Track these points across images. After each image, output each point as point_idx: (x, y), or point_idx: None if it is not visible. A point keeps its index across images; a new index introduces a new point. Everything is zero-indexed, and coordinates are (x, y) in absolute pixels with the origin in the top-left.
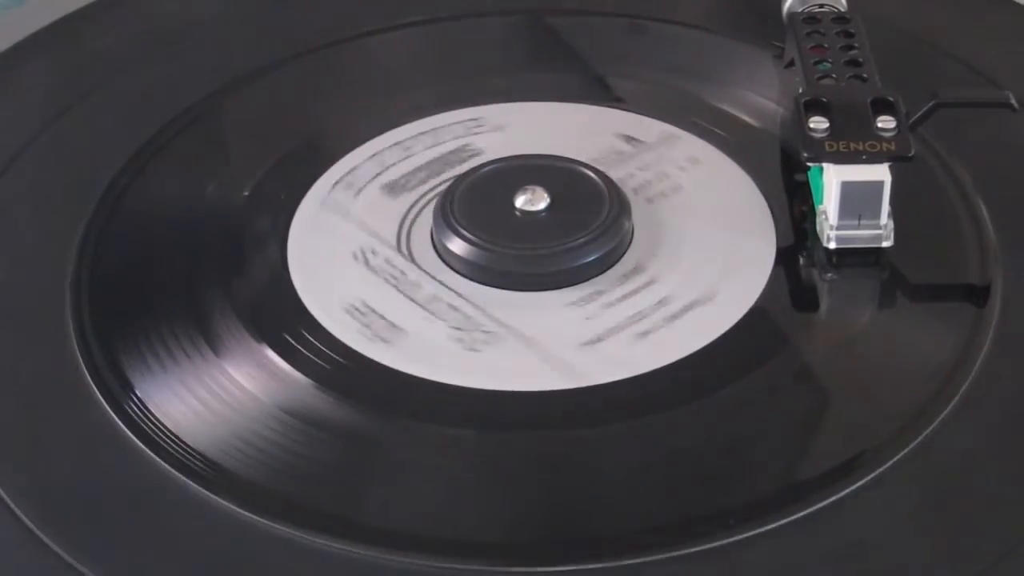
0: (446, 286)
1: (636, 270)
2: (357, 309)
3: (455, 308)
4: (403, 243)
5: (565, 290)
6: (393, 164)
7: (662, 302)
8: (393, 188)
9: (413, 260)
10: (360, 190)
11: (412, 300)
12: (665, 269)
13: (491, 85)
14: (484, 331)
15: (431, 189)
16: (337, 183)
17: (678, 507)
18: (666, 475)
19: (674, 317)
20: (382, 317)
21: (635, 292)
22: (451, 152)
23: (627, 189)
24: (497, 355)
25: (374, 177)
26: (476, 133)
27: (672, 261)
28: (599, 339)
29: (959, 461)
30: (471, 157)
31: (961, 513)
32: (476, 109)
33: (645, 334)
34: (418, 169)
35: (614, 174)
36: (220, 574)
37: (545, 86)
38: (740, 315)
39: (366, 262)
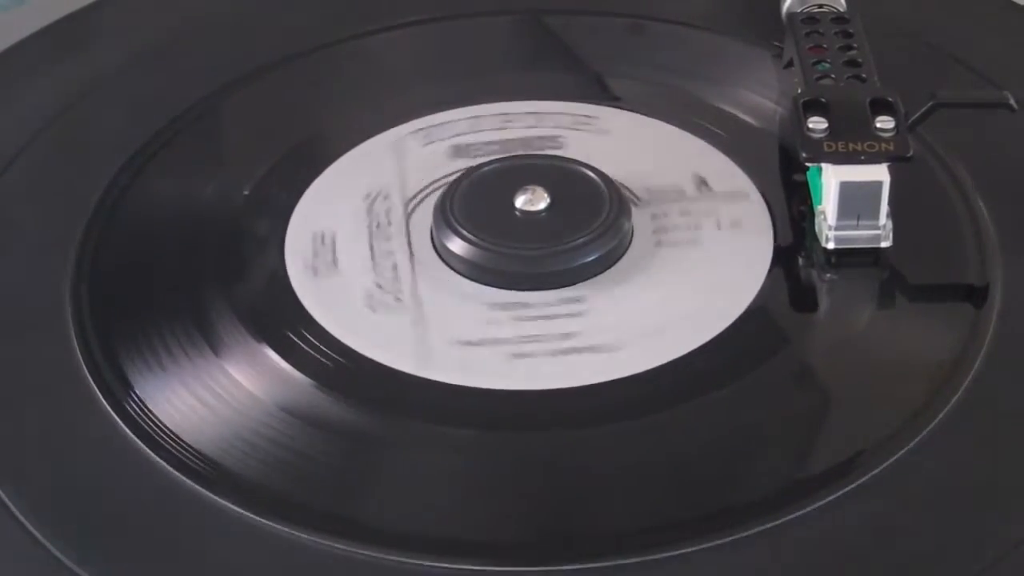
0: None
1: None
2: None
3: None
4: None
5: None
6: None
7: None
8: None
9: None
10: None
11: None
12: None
13: (490, 84)
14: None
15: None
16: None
17: (677, 507)
18: (666, 475)
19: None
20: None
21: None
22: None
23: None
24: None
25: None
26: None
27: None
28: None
29: (959, 461)
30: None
31: (961, 512)
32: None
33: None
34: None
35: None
36: (220, 574)
37: (545, 86)
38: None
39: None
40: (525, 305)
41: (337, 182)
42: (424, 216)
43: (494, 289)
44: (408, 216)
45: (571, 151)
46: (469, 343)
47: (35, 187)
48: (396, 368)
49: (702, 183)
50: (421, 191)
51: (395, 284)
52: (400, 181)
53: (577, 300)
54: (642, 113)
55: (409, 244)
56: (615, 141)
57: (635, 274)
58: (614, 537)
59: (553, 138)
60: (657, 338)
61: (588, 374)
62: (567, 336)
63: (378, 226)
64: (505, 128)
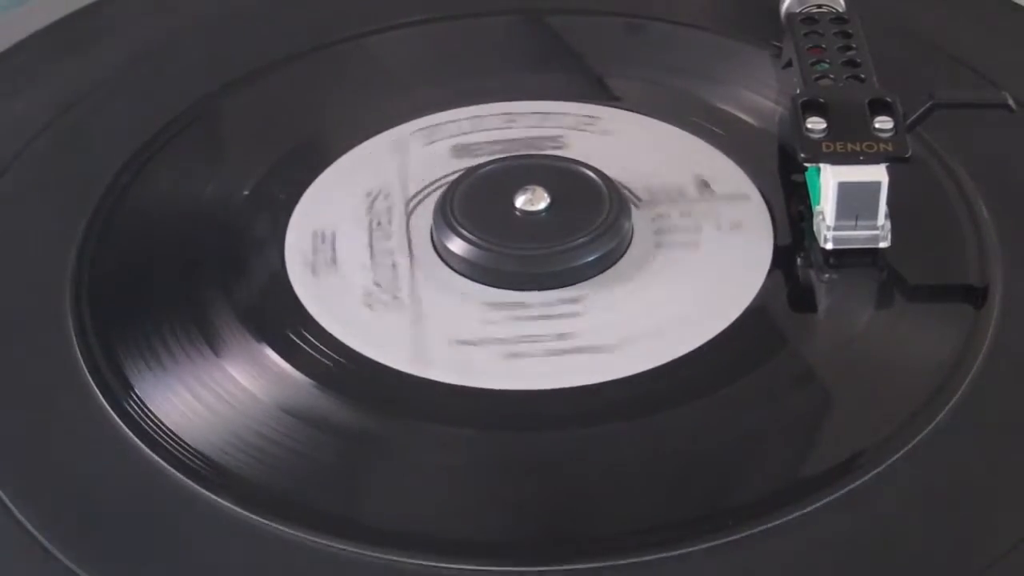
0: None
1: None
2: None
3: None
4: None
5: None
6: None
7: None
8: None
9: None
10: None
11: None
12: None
13: (491, 85)
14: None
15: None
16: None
17: (677, 507)
18: (666, 475)
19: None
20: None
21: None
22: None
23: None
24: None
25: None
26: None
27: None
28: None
29: (958, 461)
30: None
31: (961, 513)
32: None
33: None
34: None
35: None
36: (220, 574)
37: (545, 86)
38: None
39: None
40: (524, 305)
41: (337, 181)
42: (424, 215)
43: (494, 289)
44: (408, 215)
45: (572, 151)
46: (468, 343)
47: (35, 187)
48: (395, 368)
49: (702, 183)
50: (422, 190)
51: (394, 283)
52: (401, 180)
53: (576, 300)
54: (642, 113)
55: (409, 243)
56: (615, 141)
57: (634, 274)
58: (613, 537)
59: (554, 138)
60: (656, 338)
61: (587, 374)
62: (566, 336)
63: (378, 225)
64: (507, 128)
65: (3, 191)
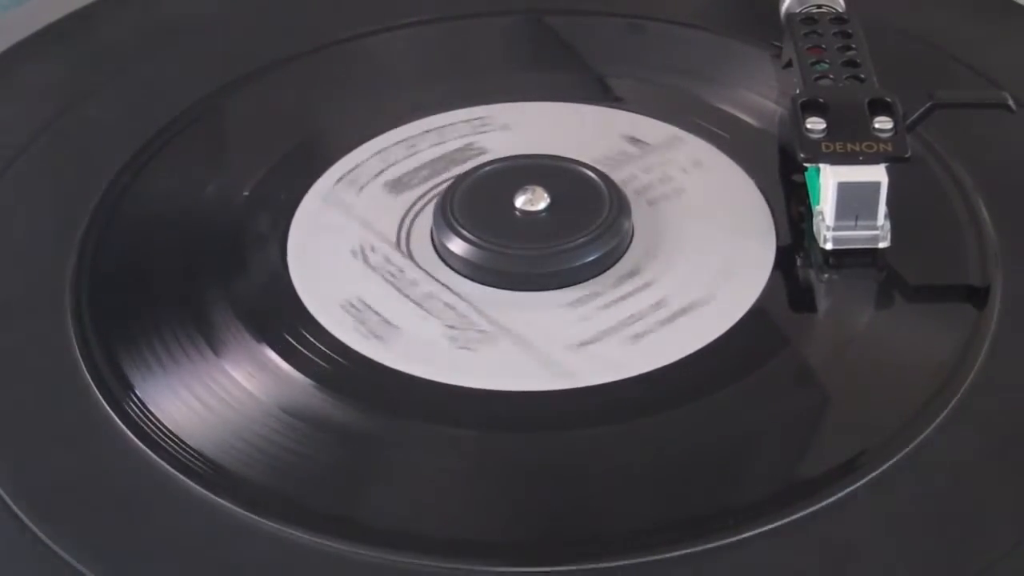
0: (444, 285)
1: (635, 271)
2: (354, 306)
3: (452, 307)
4: (403, 241)
5: (565, 290)
6: (396, 162)
7: (660, 303)
8: (396, 186)
9: (412, 258)
10: (362, 187)
11: (409, 298)
12: (664, 270)
13: (491, 85)
14: (480, 331)
15: (433, 187)
16: (340, 179)
17: (678, 507)
18: (666, 475)
19: (672, 318)
20: (378, 314)
21: (633, 293)
22: (455, 151)
23: (629, 191)
24: (495, 355)
25: (377, 174)
26: (482, 132)
27: (670, 262)
28: (598, 339)
29: (959, 461)
30: (476, 156)
31: (961, 513)
32: (481, 108)
33: (642, 335)
34: (422, 167)
35: (617, 175)
36: (220, 574)
37: (545, 86)
38: (738, 316)
39: (365, 259)
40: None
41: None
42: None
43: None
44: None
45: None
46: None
47: (35, 187)
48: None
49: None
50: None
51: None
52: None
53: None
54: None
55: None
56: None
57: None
58: (614, 538)
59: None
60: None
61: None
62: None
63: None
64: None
65: (3, 191)
